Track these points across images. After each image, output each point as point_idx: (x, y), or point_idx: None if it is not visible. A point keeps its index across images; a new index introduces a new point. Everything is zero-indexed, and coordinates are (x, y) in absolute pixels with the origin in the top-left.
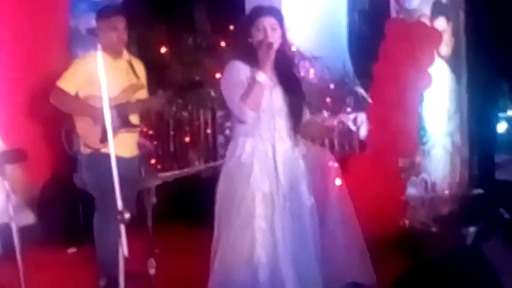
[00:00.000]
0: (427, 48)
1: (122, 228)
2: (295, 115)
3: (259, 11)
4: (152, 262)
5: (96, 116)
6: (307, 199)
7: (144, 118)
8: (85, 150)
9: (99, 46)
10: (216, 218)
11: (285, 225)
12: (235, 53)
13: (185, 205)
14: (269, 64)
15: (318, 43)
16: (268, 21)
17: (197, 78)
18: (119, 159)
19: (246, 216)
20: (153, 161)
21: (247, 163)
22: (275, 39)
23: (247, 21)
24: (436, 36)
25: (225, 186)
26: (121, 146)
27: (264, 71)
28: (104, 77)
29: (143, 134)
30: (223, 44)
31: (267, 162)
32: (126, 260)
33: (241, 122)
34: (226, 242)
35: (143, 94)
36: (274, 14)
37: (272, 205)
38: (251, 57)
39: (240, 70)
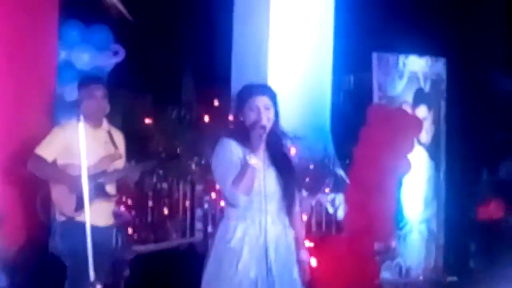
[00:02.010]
0: (407, 135)
1: None
2: (288, 197)
3: (253, 90)
4: None
5: (72, 184)
6: (299, 285)
7: (122, 188)
8: (59, 218)
9: (81, 116)
10: None
11: None
12: (225, 131)
13: (160, 279)
14: (262, 146)
15: (300, 122)
16: (261, 101)
17: (178, 150)
18: (93, 228)
19: None
20: (130, 231)
21: (237, 248)
22: (268, 119)
23: (240, 99)
24: (417, 123)
25: (213, 268)
26: (96, 215)
27: (257, 153)
28: (84, 146)
29: (121, 204)
30: (206, 118)
31: (258, 247)
32: None
33: (232, 206)
34: None
35: (121, 164)
36: (268, 93)
37: None
38: (243, 136)
39: (232, 150)
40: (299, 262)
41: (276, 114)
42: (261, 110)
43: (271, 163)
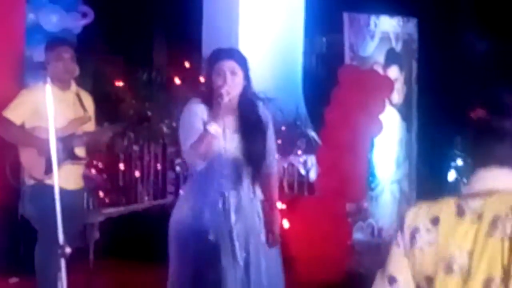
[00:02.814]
0: (379, 95)
1: (63, 262)
2: (253, 163)
3: (220, 54)
4: None
5: (41, 147)
6: (267, 249)
7: (91, 150)
8: (29, 181)
9: (48, 78)
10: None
11: (238, 278)
12: (196, 93)
13: (131, 241)
14: (221, 113)
15: (272, 84)
16: (228, 65)
17: (149, 113)
18: (63, 191)
19: (193, 267)
20: (101, 194)
21: (197, 210)
22: (235, 84)
23: (208, 63)
24: (388, 84)
25: (177, 231)
26: (65, 178)
27: (217, 119)
28: (51, 109)
29: (91, 167)
30: (177, 80)
31: (217, 211)
32: None
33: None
34: None
35: (90, 127)
36: (235, 57)
37: (219, 257)
38: (206, 100)
39: (197, 112)
40: (268, 225)
41: (247, 78)
42: (227, 75)
43: (238, 128)
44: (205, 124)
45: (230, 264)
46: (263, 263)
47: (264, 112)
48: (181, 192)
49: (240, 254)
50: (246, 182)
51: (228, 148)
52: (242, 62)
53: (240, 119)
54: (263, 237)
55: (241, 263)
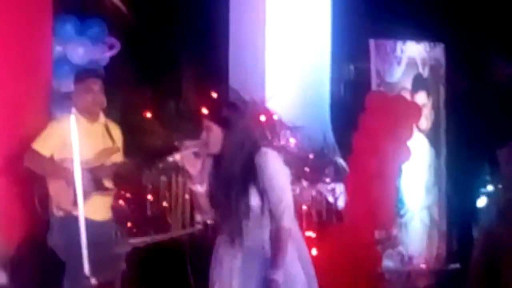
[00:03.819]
0: (407, 121)
1: None
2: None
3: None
4: None
5: (69, 178)
6: None
7: (120, 181)
8: (57, 213)
9: (73, 109)
10: None
11: None
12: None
13: (159, 271)
14: (194, 175)
15: (300, 112)
16: (205, 123)
17: (176, 143)
18: (91, 223)
19: None
20: (129, 224)
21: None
22: (210, 141)
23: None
24: (416, 110)
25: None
26: (93, 209)
27: (195, 179)
28: (76, 140)
29: (119, 197)
30: (205, 111)
31: (223, 269)
32: None
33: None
34: None
35: (118, 157)
36: (210, 114)
37: None
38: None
39: None
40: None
41: (232, 130)
42: (203, 133)
43: (219, 184)
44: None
45: None
46: None
47: (263, 160)
48: None
49: None
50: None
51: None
52: (220, 117)
53: (221, 174)
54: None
55: None
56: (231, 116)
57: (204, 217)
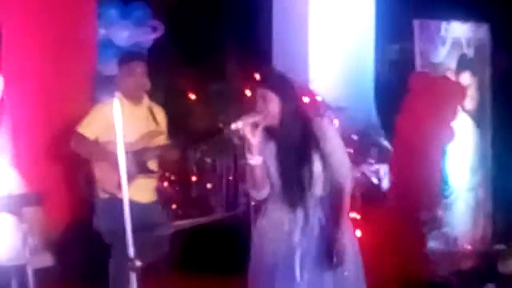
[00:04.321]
0: (451, 102)
1: (133, 276)
2: (299, 185)
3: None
4: None
5: (113, 161)
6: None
7: (164, 163)
8: (102, 195)
9: (117, 92)
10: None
11: None
12: None
13: (203, 253)
14: (255, 145)
15: (344, 93)
16: (259, 93)
17: (221, 125)
18: (136, 205)
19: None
20: (174, 206)
21: (264, 230)
22: (268, 111)
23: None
24: (461, 90)
25: (253, 248)
26: (138, 191)
27: (252, 150)
28: (120, 123)
29: (164, 179)
30: (248, 93)
31: (279, 232)
32: None
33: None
34: None
35: (162, 140)
36: (267, 83)
37: (286, 276)
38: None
39: None
40: (329, 245)
41: (286, 100)
42: (259, 103)
43: (277, 154)
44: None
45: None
46: (328, 283)
47: (320, 126)
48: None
49: (300, 275)
50: (299, 204)
51: (273, 173)
52: (276, 85)
53: (279, 145)
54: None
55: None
56: (287, 86)
57: (257, 193)
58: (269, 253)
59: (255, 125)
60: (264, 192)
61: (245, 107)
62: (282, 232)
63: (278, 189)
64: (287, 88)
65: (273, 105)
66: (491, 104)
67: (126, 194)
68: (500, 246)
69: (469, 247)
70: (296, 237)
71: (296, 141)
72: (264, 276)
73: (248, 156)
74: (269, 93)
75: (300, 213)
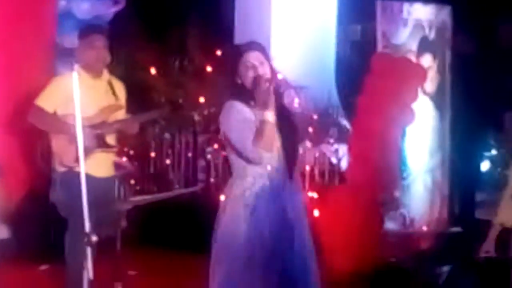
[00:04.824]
0: (412, 84)
1: (89, 250)
2: (292, 152)
3: (243, 48)
4: (119, 286)
5: (72, 134)
6: (309, 241)
7: (123, 138)
8: (59, 168)
9: (76, 65)
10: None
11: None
12: (226, 93)
13: (160, 229)
14: (272, 100)
15: (304, 72)
16: (255, 56)
17: (181, 101)
18: (93, 179)
19: (246, 259)
20: (132, 182)
21: (253, 205)
22: (265, 73)
23: (233, 60)
24: (421, 72)
25: (228, 226)
26: (96, 165)
27: (270, 108)
28: (78, 96)
29: (123, 154)
30: (209, 68)
31: (275, 205)
32: (93, 283)
33: (255, 164)
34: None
35: (121, 115)
36: (258, 48)
37: (274, 248)
38: (245, 97)
39: (241, 111)
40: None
41: (272, 68)
42: (257, 66)
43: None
44: (255, 117)
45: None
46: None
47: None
48: (231, 188)
49: (289, 246)
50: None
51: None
52: (265, 52)
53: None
54: (307, 229)
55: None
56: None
57: (264, 155)
58: (262, 229)
59: (264, 81)
60: (268, 157)
61: (205, 83)
62: (275, 206)
63: (275, 156)
64: (269, 57)
65: (266, 68)
66: (450, 87)
67: (83, 168)
68: (455, 228)
69: (425, 228)
70: (289, 211)
71: (286, 111)
72: (261, 252)
73: (266, 113)
74: (261, 56)
75: (292, 181)
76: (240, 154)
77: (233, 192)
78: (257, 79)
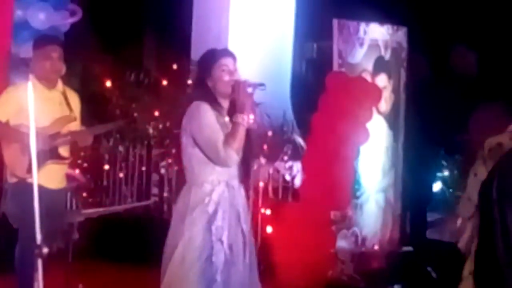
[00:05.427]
0: (366, 103)
1: (39, 262)
2: (247, 160)
3: (218, 53)
4: None
5: (24, 145)
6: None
7: (76, 150)
8: (11, 179)
9: (31, 75)
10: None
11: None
12: (195, 96)
13: (112, 242)
14: (250, 104)
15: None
16: (229, 62)
17: (135, 114)
18: (45, 190)
19: (205, 266)
20: (84, 194)
21: (212, 212)
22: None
23: (206, 64)
24: (376, 92)
25: (186, 233)
26: (48, 177)
27: (245, 112)
28: (32, 107)
29: (75, 167)
30: (165, 82)
31: (231, 211)
32: None
33: (225, 165)
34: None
35: (75, 126)
36: (232, 55)
37: (231, 257)
38: (212, 98)
39: (209, 111)
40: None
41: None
42: (233, 71)
43: None
44: (223, 119)
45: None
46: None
47: None
48: (187, 195)
49: (244, 254)
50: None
51: None
52: (236, 61)
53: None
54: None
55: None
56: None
57: (233, 161)
58: (220, 235)
59: (247, 85)
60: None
61: (160, 97)
62: (232, 212)
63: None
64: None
65: (238, 75)
66: (405, 108)
67: (36, 179)
68: (407, 248)
69: (377, 247)
70: (242, 216)
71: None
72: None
73: (239, 115)
74: (234, 64)
75: (239, 192)
76: (210, 155)
77: (191, 198)
78: (237, 82)
